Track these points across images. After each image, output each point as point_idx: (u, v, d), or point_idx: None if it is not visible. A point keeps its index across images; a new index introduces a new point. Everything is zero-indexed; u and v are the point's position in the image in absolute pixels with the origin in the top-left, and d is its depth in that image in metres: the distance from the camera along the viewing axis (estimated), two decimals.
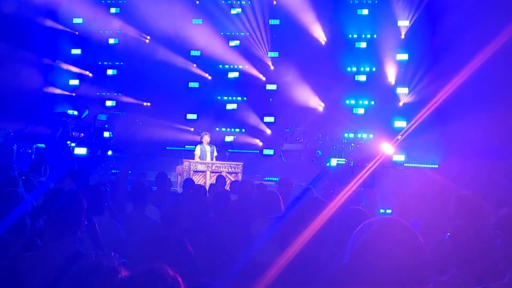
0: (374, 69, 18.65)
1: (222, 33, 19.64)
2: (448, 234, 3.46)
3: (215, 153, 14.20)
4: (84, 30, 19.99)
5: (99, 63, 20.61)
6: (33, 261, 3.33)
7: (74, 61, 20.18)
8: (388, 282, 1.87)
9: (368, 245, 1.93)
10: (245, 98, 19.81)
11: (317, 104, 18.52)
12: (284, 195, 7.15)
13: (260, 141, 19.08)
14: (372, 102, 18.56)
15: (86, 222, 3.55)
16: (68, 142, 16.80)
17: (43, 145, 16.41)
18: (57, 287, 2.89)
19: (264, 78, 19.44)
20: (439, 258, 3.61)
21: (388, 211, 9.69)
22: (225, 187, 10.91)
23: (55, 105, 19.00)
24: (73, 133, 17.03)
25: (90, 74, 20.13)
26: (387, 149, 15.44)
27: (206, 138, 14.06)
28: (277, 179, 14.98)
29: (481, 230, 3.14)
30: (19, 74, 18.42)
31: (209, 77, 19.67)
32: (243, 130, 19.54)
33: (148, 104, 19.84)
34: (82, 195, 3.57)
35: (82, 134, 17.01)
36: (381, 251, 1.89)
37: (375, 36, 18.69)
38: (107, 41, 20.41)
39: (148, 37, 19.63)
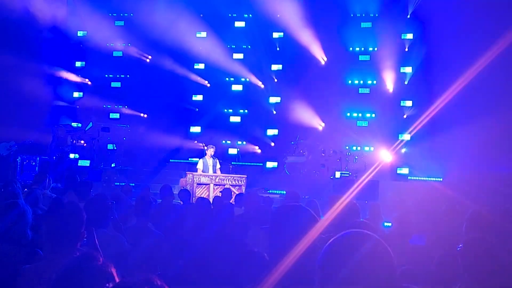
0: (375, 82, 18.65)
1: (228, 46, 19.73)
2: (460, 245, 3.42)
3: (218, 166, 14.18)
4: (89, 42, 20.07)
5: (106, 75, 20.68)
6: (33, 273, 3.31)
7: (78, 73, 20.23)
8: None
9: (338, 260, 1.91)
10: (246, 111, 19.83)
11: (320, 117, 18.49)
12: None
13: (260, 149, 19.06)
14: (374, 115, 18.53)
15: (85, 234, 3.52)
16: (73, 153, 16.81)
17: (46, 157, 16.42)
18: None
19: (262, 86, 19.48)
20: (447, 270, 3.57)
21: (386, 224, 9.65)
22: (231, 200, 10.86)
23: (59, 118, 19.02)
24: (74, 141, 17.03)
25: (89, 82, 20.16)
26: (386, 156, 15.43)
27: (211, 151, 14.05)
28: (281, 192, 15.00)
29: (493, 246, 3.10)
30: (22, 86, 18.46)
31: (208, 84, 19.67)
32: (245, 143, 19.54)
33: (145, 115, 19.82)
34: (81, 207, 3.55)
35: (84, 142, 17.01)
36: (351, 263, 1.87)
37: (377, 49, 18.73)
38: (112, 53, 20.50)
39: (149, 57, 19.72)
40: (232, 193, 12.05)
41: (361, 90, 18.76)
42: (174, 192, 10.65)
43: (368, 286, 1.84)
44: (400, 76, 18.21)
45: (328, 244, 1.99)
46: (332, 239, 2.00)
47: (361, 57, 18.81)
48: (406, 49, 18.28)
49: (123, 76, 20.78)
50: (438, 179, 16.36)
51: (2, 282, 3.74)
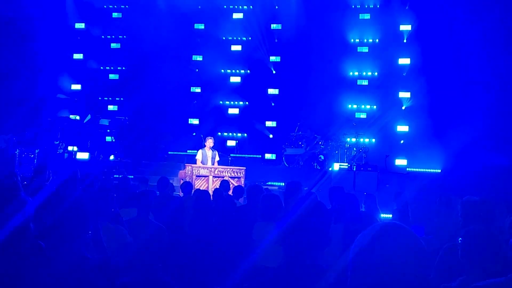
0: (376, 73, 18.66)
1: (224, 38, 19.70)
2: (460, 238, 3.44)
3: (217, 158, 14.17)
4: (86, 34, 20.03)
5: (101, 67, 20.65)
6: (38, 266, 3.31)
7: (76, 65, 20.19)
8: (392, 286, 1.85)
9: (369, 250, 1.92)
10: (246, 103, 19.84)
11: (318, 108, 18.46)
12: (292, 199, 7.13)
13: (262, 145, 19.09)
14: (374, 107, 18.56)
15: (91, 228, 3.53)
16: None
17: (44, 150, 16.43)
18: None
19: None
20: (449, 263, 3.59)
21: (389, 215, 9.69)
22: (229, 192, 10.88)
23: (57, 110, 18.99)
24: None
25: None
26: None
27: (210, 143, 14.02)
28: (280, 183, 15.03)
29: (493, 235, 3.12)
30: (20, 79, 18.43)
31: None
32: (245, 134, 19.57)
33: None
34: (86, 199, 3.56)
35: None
36: (383, 256, 1.88)
37: (377, 40, 18.71)
38: (109, 45, 20.48)
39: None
40: (231, 185, 12.06)
41: (359, 82, 18.76)
42: (174, 184, 10.66)
43: (402, 277, 1.85)
44: (399, 68, 18.20)
45: (362, 235, 1.99)
46: (366, 230, 2.01)
47: (360, 49, 18.79)
48: (405, 41, 18.27)
49: (119, 68, 20.76)
50: (436, 170, 16.40)
51: (7, 276, 3.75)
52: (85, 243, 3.41)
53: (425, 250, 1.96)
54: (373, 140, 17.56)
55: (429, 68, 16.93)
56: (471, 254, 3.27)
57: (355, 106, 18.65)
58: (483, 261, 3.16)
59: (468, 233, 3.36)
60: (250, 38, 19.74)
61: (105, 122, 18.03)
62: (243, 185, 12.12)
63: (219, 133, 19.23)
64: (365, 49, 18.76)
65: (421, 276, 1.88)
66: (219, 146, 16.28)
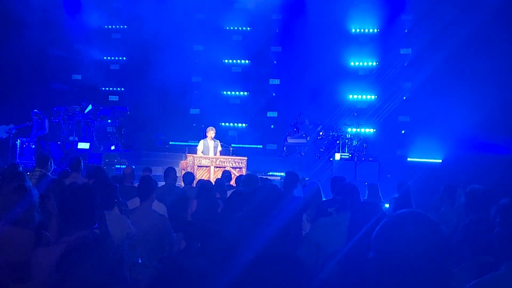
0: (375, 63, 18.62)
1: (227, 28, 19.68)
2: (461, 227, 3.45)
3: (219, 148, 14.14)
4: (87, 24, 19.95)
5: (104, 58, 20.62)
6: (46, 255, 3.33)
7: (77, 55, 20.14)
8: (415, 274, 1.86)
9: (392, 239, 1.93)
10: (246, 93, 19.85)
11: (320, 98, 18.44)
12: (290, 189, 7.16)
13: (263, 135, 19.11)
14: (374, 97, 18.53)
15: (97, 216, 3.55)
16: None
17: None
18: (70, 282, 2.88)
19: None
20: (453, 250, 3.61)
21: (386, 205, 9.73)
22: (231, 182, 10.90)
23: (58, 100, 18.95)
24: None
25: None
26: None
27: (211, 133, 13.96)
28: (281, 174, 15.05)
29: (494, 226, 3.13)
30: (21, 69, 18.41)
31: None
32: (245, 125, 19.58)
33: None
34: (95, 189, 3.57)
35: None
36: (406, 244, 1.89)
37: (375, 30, 18.66)
38: (110, 35, 20.46)
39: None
40: (232, 175, 12.08)
41: (361, 72, 18.73)
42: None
43: (424, 264, 1.87)
44: (400, 58, 18.16)
45: (385, 222, 2.00)
46: (389, 217, 2.02)
47: (361, 39, 18.74)
48: (406, 31, 18.22)
49: (120, 58, 20.74)
50: (437, 160, 16.42)
51: (13, 265, 3.77)
52: (93, 233, 3.43)
53: (446, 236, 1.98)
54: (374, 130, 17.53)
55: (430, 58, 16.85)
56: (470, 243, 3.29)
57: (356, 96, 18.62)
58: (479, 249, 3.19)
59: (469, 222, 3.38)
60: (249, 28, 19.71)
61: (106, 112, 18.03)
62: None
63: (222, 123, 19.21)
64: (367, 40, 18.70)
65: (443, 262, 1.90)
66: (221, 136, 16.27)
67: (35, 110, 16.71)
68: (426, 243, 1.89)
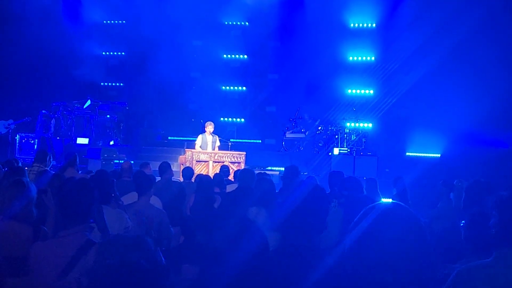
0: (373, 58, 18.59)
1: (226, 23, 19.66)
2: (463, 221, 3.47)
3: (218, 143, 14.15)
4: (86, 19, 19.93)
5: (103, 53, 20.61)
6: (44, 250, 3.35)
7: (76, 50, 20.09)
8: (392, 268, 1.88)
9: (369, 230, 1.95)
10: (245, 88, 19.86)
11: (318, 93, 18.41)
12: (290, 184, 7.16)
13: (261, 130, 19.12)
14: (371, 91, 18.50)
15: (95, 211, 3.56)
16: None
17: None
18: (68, 276, 2.91)
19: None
20: (452, 245, 3.63)
21: (389, 200, 9.74)
22: (229, 176, 10.92)
23: (57, 95, 18.94)
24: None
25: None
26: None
27: (210, 128, 13.98)
28: (280, 168, 15.07)
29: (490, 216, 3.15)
30: (19, 64, 18.38)
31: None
32: (244, 120, 19.59)
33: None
34: (93, 184, 3.58)
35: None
36: (383, 236, 1.91)
37: (374, 25, 18.64)
38: (109, 30, 20.45)
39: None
40: (231, 169, 12.09)
41: (359, 67, 18.70)
42: (174, 169, 10.70)
43: (402, 258, 1.88)
44: (398, 52, 18.08)
45: (362, 214, 2.02)
46: (366, 210, 2.04)
47: (360, 33, 18.70)
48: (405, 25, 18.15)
49: (119, 53, 20.73)
50: (436, 155, 16.44)
51: (12, 259, 3.79)
52: (89, 227, 3.45)
53: (426, 230, 1.99)
54: (371, 124, 17.52)
55: (429, 52, 16.80)
56: (471, 237, 3.31)
57: (354, 91, 18.61)
58: (480, 243, 3.21)
59: (471, 216, 3.40)
60: (248, 23, 19.71)
61: (105, 107, 18.03)
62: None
63: (221, 118, 19.21)
64: (366, 33, 18.66)
65: (423, 256, 1.91)
66: (219, 131, 16.27)
67: (44, 111, 16.78)
68: (404, 233, 1.90)
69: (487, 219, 2.91)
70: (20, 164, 7.63)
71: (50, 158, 8.45)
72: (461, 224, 3.50)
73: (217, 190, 8.08)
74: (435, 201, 7.57)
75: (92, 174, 7.23)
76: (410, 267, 1.89)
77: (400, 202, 2.08)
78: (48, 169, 8.44)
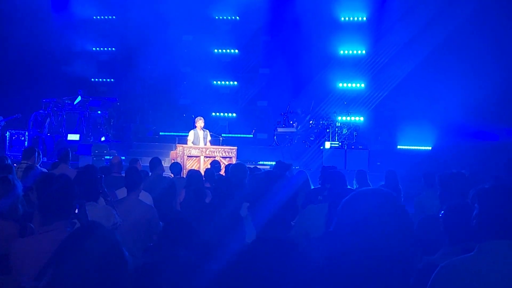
0: (364, 51, 18.59)
1: (216, 17, 19.62)
2: (442, 212, 3.49)
3: (209, 138, 14.14)
4: (75, 15, 19.80)
5: (93, 49, 20.51)
6: (25, 246, 3.33)
7: (66, 46, 19.99)
8: (373, 252, 1.88)
9: (353, 213, 1.95)
10: (236, 83, 19.84)
11: (310, 87, 18.40)
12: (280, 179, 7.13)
13: (253, 124, 19.11)
14: (363, 85, 18.50)
15: (77, 207, 3.54)
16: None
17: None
18: (48, 272, 2.87)
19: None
20: (431, 236, 3.65)
21: None
22: (220, 171, 10.89)
23: (47, 91, 18.84)
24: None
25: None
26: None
27: (200, 123, 13.95)
28: (272, 163, 15.05)
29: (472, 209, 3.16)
30: (8, 61, 18.28)
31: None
32: (235, 114, 19.58)
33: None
34: (72, 180, 3.56)
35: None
36: (367, 220, 1.91)
37: (364, 18, 18.64)
38: (99, 26, 20.35)
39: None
40: (222, 164, 12.07)
41: (350, 60, 18.69)
42: (164, 165, 10.66)
43: (384, 242, 1.88)
44: (388, 45, 18.08)
45: (348, 198, 2.02)
46: (352, 193, 2.04)
47: (350, 27, 18.69)
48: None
49: (109, 49, 20.65)
50: (427, 147, 16.48)
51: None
52: (71, 223, 3.42)
53: (408, 214, 1.99)
54: (362, 118, 17.52)
55: (420, 45, 16.80)
56: (452, 228, 3.32)
57: (345, 85, 18.61)
58: (459, 234, 3.23)
59: (449, 207, 3.42)
60: (238, 17, 19.68)
61: (95, 103, 17.94)
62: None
63: (212, 113, 19.16)
64: (356, 27, 18.66)
65: (405, 239, 1.91)
66: (211, 126, 16.24)
67: (41, 110, 16.74)
68: (387, 218, 1.90)
69: (466, 210, 2.92)
70: (9, 161, 7.57)
71: (39, 154, 8.39)
72: (440, 215, 3.51)
73: (207, 185, 8.08)
74: (417, 194, 7.62)
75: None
76: (392, 251, 1.89)
77: (384, 188, 2.08)
78: (38, 165, 8.39)
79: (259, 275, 2.35)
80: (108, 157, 14.55)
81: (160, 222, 6.18)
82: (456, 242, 3.24)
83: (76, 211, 3.49)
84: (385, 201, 1.97)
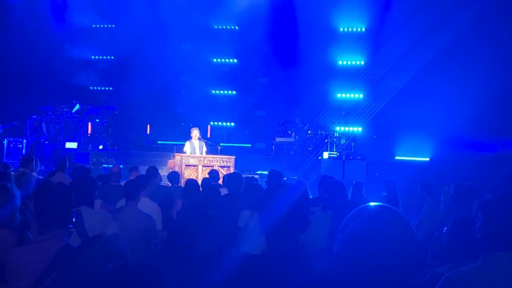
0: (362, 62, 18.64)
1: (216, 27, 19.69)
2: (445, 228, 3.46)
3: (205, 148, 14.06)
4: (75, 23, 19.83)
5: (92, 57, 20.53)
6: (23, 255, 3.31)
7: (65, 54, 19.98)
8: (380, 270, 1.87)
9: (357, 232, 1.93)
10: (235, 92, 19.86)
11: (308, 97, 18.41)
12: (273, 187, 7.13)
13: (251, 134, 19.13)
14: (361, 95, 18.53)
15: (74, 215, 3.52)
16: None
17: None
18: (46, 281, 2.87)
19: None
20: (435, 250, 3.63)
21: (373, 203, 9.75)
22: (219, 181, 10.87)
23: (46, 99, 18.83)
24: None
25: None
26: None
27: (196, 133, 13.88)
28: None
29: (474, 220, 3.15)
30: (7, 69, 18.27)
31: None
32: (233, 124, 19.58)
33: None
34: (70, 188, 3.55)
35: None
36: (371, 237, 1.89)
37: (363, 29, 18.71)
38: (98, 35, 20.39)
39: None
40: (220, 174, 12.06)
41: (349, 71, 18.74)
42: (162, 174, 10.64)
43: (389, 260, 1.87)
44: (387, 56, 18.13)
45: (351, 216, 2.01)
46: (355, 211, 2.03)
47: (349, 38, 18.75)
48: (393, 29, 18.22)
49: (108, 57, 20.68)
50: (425, 158, 16.49)
51: None
52: (68, 232, 3.41)
53: (414, 231, 1.98)
54: (360, 128, 17.53)
55: (418, 57, 16.85)
56: (455, 241, 3.30)
57: (344, 95, 18.63)
58: (465, 247, 3.20)
59: (453, 220, 3.40)
60: (237, 27, 19.74)
61: (93, 111, 17.93)
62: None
63: (211, 122, 19.16)
64: (354, 38, 18.72)
65: (412, 257, 1.90)
66: (209, 135, 16.26)
67: (34, 116, 16.69)
68: (393, 236, 1.89)
69: (470, 224, 2.90)
70: (10, 169, 7.55)
71: (36, 162, 8.37)
72: (444, 230, 3.49)
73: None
74: (419, 206, 7.60)
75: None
76: (399, 269, 1.87)
77: (388, 205, 2.07)
78: (35, 173, 8.36)
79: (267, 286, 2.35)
80: (106, 165, 14.53)
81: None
82: (460, 256, 3.22)
83: (74, 219, 3.48)
84: (391, 217, 1.95)
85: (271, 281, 2.41)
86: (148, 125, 19.34)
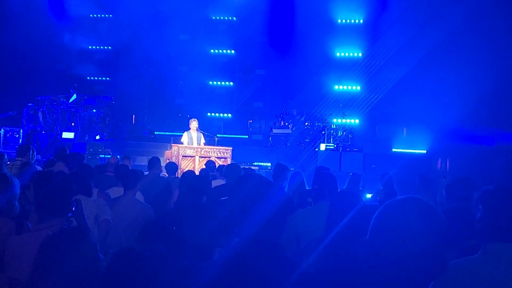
0: (360, 54, 18.64)
1: (214, 18, 19.63)
2: None
3: (203, 140, 14.09)
4: (72, 13, 19.75)
5: (89, 47, 20.47)
6: (21, 243, 3.32)
7: (62, 44, 19.91)
8: (410, 258, 1.91)
9: (391, 223, 1.97)
10: (232, 83, 19.84)
11: (306, 89, 18.42)
12: (279, 181, 7.18)
13: (247, 127, 19.13)
14: (359, 87, 18.54)
15: (74, 205, 3.53)
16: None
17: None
18: (44, 268, 2.87)
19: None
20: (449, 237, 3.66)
21: (369, 195, 9.81)
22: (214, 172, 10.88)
23: (42, 89, 18.77)
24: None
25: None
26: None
27: (194, 124, 13.91)
28: (266, 164, 15.09)
29: (471, 214, 3.17)
30: (3, 58, 18.20)
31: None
32: (230, 115, 19.57)
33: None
34: (70, 177, 3.56)
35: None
36: (403, 228, 1.94)
37: (361, 21, 18.69)
38: (96, 24, 20.31)
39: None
40: (217, 164, 12.06)
41: (346, 62, 18.73)
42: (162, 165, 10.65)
43: (420, 249, 1.90)
44: (385, 48, 18.12)
45: (385, 206, 2.04)
46: (388, 203, 2.06)
47: (347, 30, 18.74)
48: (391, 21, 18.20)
49: (105, 47, 20.62)
50: (422, 151, 16.51)
51: None
52: (68, 220, 3.42)
53: (445, 222, 2.02)
54: (357, 120, 17.54)
55: (415, 49, 16.83)
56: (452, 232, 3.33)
57: (341, 87, 18.64)
58: (463, 238, 3.23)
59: (445, 212, 3.42)
60: (235, 18, 19.69)
61: (90, 101, 17.88)
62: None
63: (208, 113, 19.16)
64: (353, 29, 18.71)
65: (439, 248, 1.93)
66: (206, 126, 16.23)
67: (30, 104, 16.62)
68: (425, 229, 1.93)
69: (461, 214, 2.92)
70: (3, 158, 7.52)
71: (33, 152, 8.34)
72: None
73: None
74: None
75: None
76: (428, 257, 1.93)
77: (415, 195, 2.11)
78: (32, 163, 8.35)
79: (244, 279, 2.35)
80: (103, 155, 14.53)
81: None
82: (454, 246, 3.24)
83: (73, 208, 3.49)
84: (424, 209, 1.99)
85: (262, 269, 2.41)
86: (145, 116, 19.34)
